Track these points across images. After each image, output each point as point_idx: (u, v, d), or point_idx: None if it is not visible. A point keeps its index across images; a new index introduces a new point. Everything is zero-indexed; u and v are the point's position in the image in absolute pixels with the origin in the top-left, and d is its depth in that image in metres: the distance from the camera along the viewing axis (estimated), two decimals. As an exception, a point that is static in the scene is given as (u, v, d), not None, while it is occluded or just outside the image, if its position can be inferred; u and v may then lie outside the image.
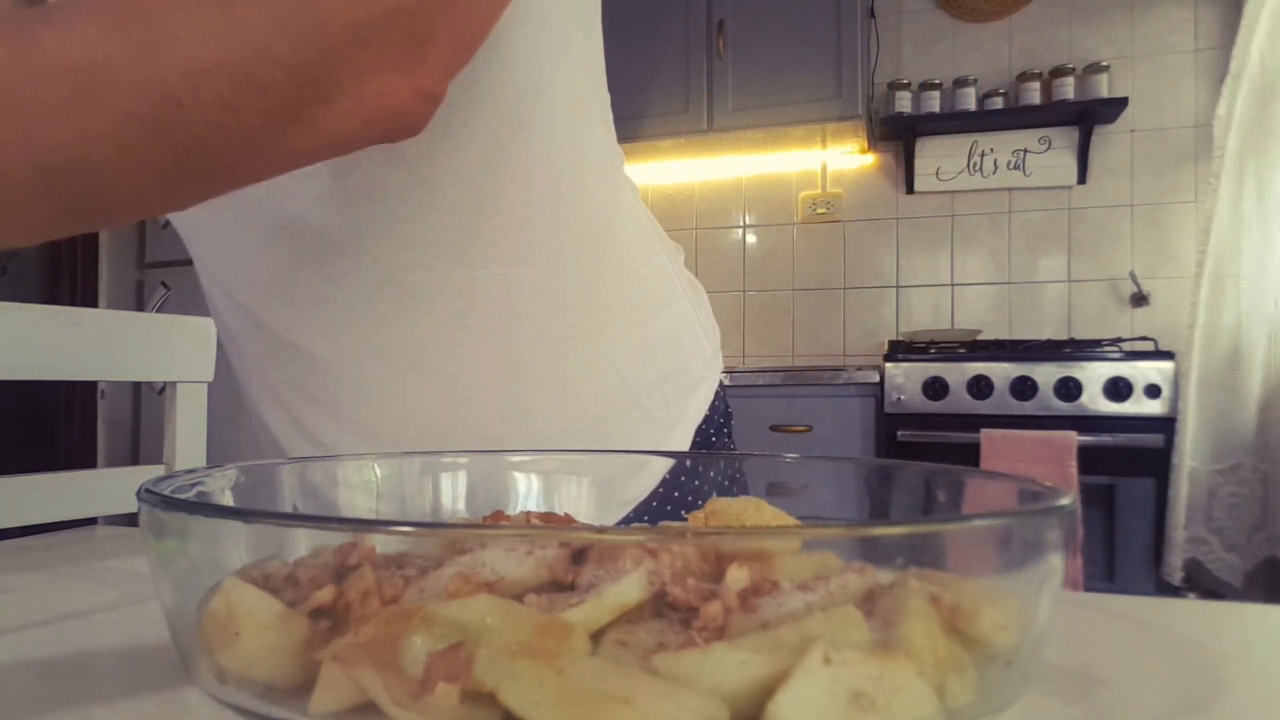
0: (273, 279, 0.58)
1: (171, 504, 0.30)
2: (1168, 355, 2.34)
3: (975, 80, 2.88)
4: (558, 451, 0.56)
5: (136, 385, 2.73)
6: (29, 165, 0.32)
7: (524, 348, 0.58)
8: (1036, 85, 2.82)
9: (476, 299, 0.56)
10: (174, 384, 0.92)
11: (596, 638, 0.26)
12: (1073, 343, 2.63)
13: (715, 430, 0.68)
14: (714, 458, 0.65)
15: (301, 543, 0.32)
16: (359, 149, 0.40)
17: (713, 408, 0.68)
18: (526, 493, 0.50)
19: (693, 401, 0.67)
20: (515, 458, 0.52)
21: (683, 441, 0.66)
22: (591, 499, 0.52)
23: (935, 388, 2.44)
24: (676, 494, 0.60)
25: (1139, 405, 2.30)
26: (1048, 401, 2.36)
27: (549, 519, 0.43)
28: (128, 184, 0.34)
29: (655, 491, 0.60)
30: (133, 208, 0.36)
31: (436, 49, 0.38)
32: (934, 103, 2.91)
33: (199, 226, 0.61)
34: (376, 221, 0.54)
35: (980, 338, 2.82)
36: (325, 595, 0.28)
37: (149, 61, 0.32)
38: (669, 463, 0.61)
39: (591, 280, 0.60)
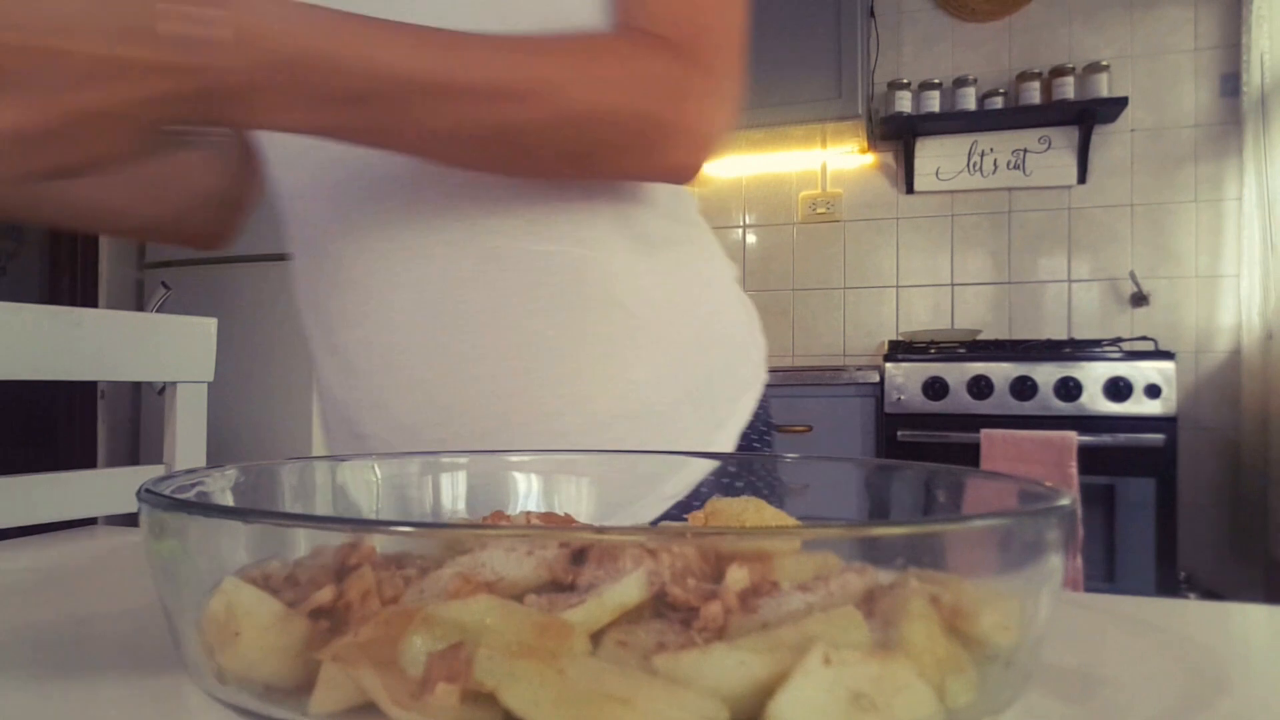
0: (365, 227, 0.59)
1: (171, 504, 0.30)
2: (1168, 355, 2.34)
3: (975, 80, 2.88)
4: (599, 452, 0.57)
5: (136, 385, 2.73)
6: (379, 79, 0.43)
7: (587, 327, 0.59)
8: (1036, 85, 2.82)
9: (550, 274, 0.58)
10: (174, 384, 0.92)
11: (596, 638, 0.26)
12: (1073, 343, 2.62)
13: (758, 436, 0.69)
14: (754, 460, 0.65)
15: (301, 543, 0.32)
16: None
17: (756, 415, 0.69)
18: (573, 490, 0.51)
19: (740, 404, 0.68)
20: (560, 456, 0.53)
21: (728, 442, 0.66)
22: (631, 493, 0.52)
23: (935, 388, 2.44)
24: (715, 494, 0.60)
25: (1139, 405, 2.30)
26: (1048, 401, 2.36)
27: (549, 519, 0.43)
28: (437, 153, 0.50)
29: (697, 490, 0.60)
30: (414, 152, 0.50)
31: (687, 139, 0.52)
32: (934, 102, 2.91)
33: (308, 175, 0.62)
34: (477, 189, 0.56)
35: (980, 338, 2.82)
36: (325, 595, 0.28)
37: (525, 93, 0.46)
38: (711, 463, 0.60)
39: (658, 273, 0.62)
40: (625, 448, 0.60)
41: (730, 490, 0.59)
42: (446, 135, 0.47)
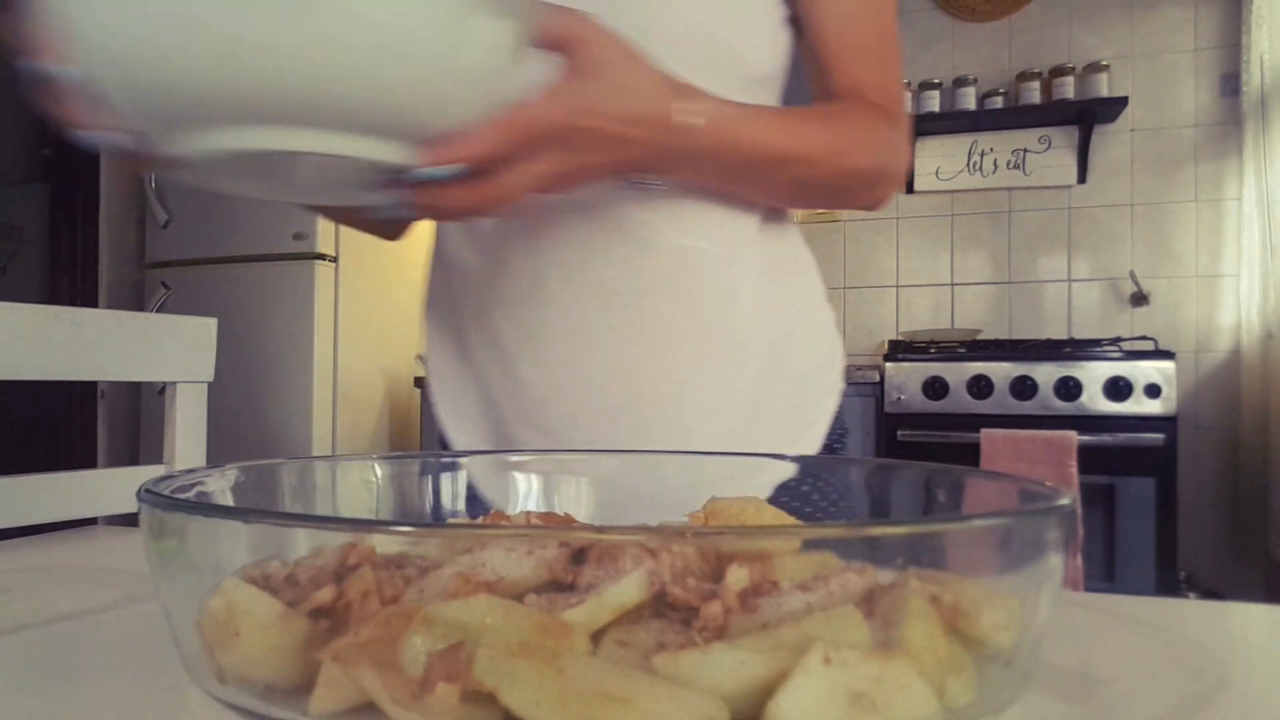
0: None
1: (171, 504, 0.30)
2: (1168, 355, 2.34)
3: (975, 80, 2.88)
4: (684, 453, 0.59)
5: (136, 385, 2.73)
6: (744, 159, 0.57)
7: (715, 319, 0.65)
8: (1036, 85, 2.82)
9: (690, 267, 0.64)
10: (174, 384, 0.92)
11: (596, 638, 0.26)
12: (1073, 342, 2.62)
13: (838, 438, 0.74)
14: (835, 463, 0.66)
15: (301, 543, 0.32)
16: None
17: (836, 419, 0.73)
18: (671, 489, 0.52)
19: (826, 405, 0.72)
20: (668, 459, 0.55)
21: (816, 441, 0.71)
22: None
23: (935, 387, 2.44)
24: (788, 499, 0.60)
25: (1139, 405, 2.30)
26: (1048, 401, 2.36)
27: (549, 519, 0.43)
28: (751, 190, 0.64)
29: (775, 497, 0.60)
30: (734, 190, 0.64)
31: (896, 182, 0.67)
32: (934, 102, 2.91)
33: None
34: (636, 191, 0.64)
35: (980, 337, 2.82)
36: (325, 595, 0.28)
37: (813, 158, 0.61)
38: (791, 467, 0.60)
39: (774, 276, 0.69)
40: (733, 437, 0.66)
41: (801, 496, 0.60)
42: (772, 186, 0.64)
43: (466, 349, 0.71)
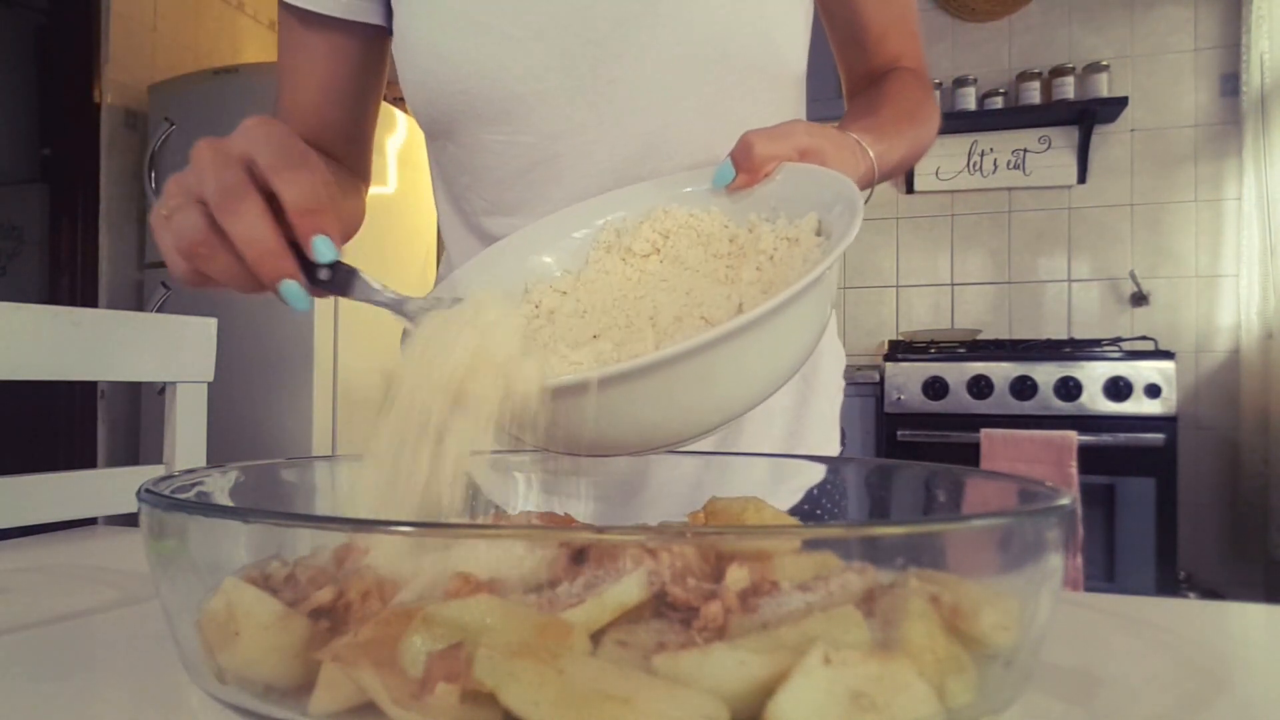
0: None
1: (171, 504, 0.30)
2: (1168, 355, 2.34)
3: (975, 80, 2.88)
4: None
5: (136, 385, 2.73)
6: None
7: None
8: (1036, 85, 2.82)
9: None
10: (174, 384, 0.92)
11: (596, 638, 0.26)
12: (1073, 342, 2.62)
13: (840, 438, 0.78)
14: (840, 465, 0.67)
15: (301, 543, 0.32)
16: None
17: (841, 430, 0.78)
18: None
19: (833, 433, 0.75)
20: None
21: (839, 441, 0.75)
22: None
23: (935, 387, 2.44)
24: (811, 507, 0.61)
25: (1139, 405, 2.30)
26: (1048, 401, 2.36)
27: (549, 519, 0.43)
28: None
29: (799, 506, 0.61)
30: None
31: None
32: (934, 102, 2.90)
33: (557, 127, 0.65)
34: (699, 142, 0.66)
35: (980, 337, 2.82)
36: (325, 595, 0.28)
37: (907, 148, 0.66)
38: (819, 475, 0.61)
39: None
40: (781, 436, 0.69)
41: (831, 498, 0.60)
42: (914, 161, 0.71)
43: None
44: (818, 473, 0.58)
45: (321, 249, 0.41)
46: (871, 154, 0.58)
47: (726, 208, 0.52)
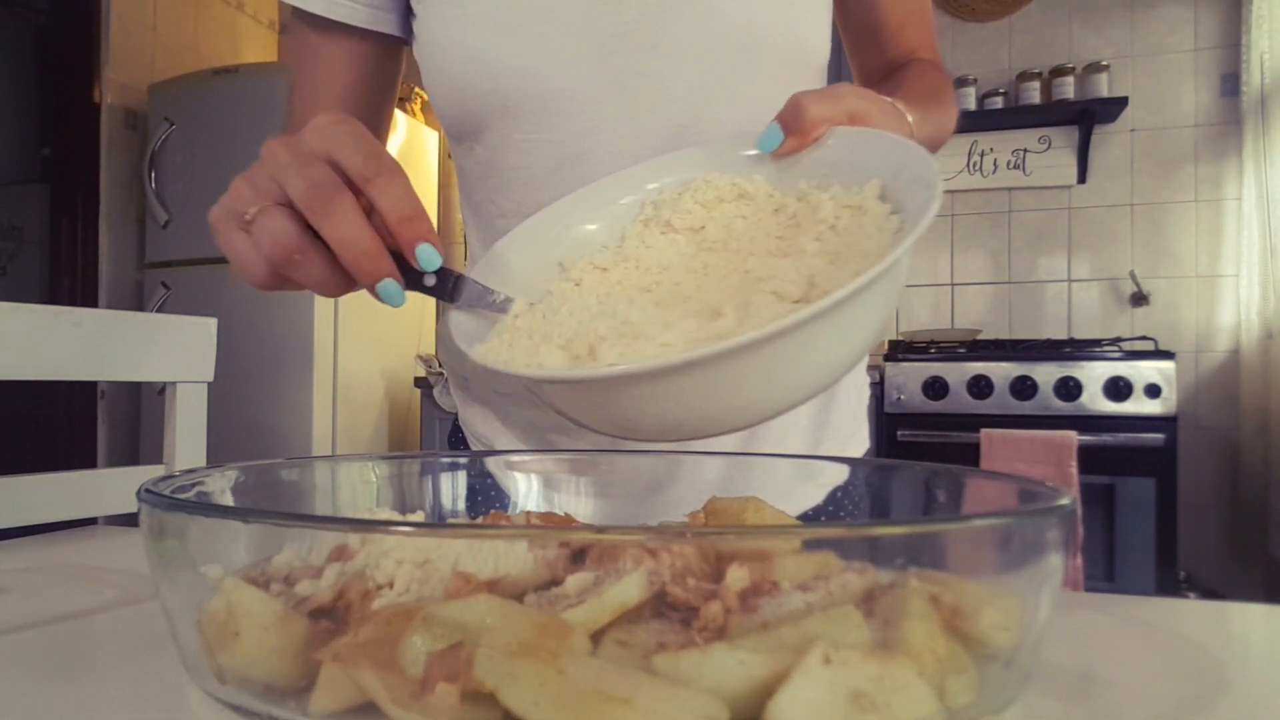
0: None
1: (171, 504, 0.30)
2: (1168, 355, 2.33)
3: (975, 80, 2.88)
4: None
5: (136, 385, 2.73)
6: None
7: None
8: (1036, 85, 2.82)
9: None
10: (174, 384, 0.92)
11: (596, 638, 0.26)
12: (1073, 342, 2.62)
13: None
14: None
15: (301, 543, 0.32)
16: None
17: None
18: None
19: (861, 426, 0.75)
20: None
21: (860, 447, 0.75)
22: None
23: (935, 387, 2.44)
24: (832, 508, 0.61)
25: (1139, 405, 2.30)
26: (1048, 401, 2.36)
27: (549, 519, 0.43)
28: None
29: (820, 508, 0.61)
30: None
31: None
32: (934, 102, 2.90)
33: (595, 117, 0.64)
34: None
35: (980, 337, 2.82)
36: (325, 595, 0.28)
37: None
38: (841, 477, 0.60)
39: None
40: (803, 441, 0.69)
41: (852, 499, 0.60)
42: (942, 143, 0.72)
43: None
44: (842, 473, 0.58)
45: (428, 256, 0.41)
46: (910, 119, 0.55)
47: (771, 175, 0.49)
